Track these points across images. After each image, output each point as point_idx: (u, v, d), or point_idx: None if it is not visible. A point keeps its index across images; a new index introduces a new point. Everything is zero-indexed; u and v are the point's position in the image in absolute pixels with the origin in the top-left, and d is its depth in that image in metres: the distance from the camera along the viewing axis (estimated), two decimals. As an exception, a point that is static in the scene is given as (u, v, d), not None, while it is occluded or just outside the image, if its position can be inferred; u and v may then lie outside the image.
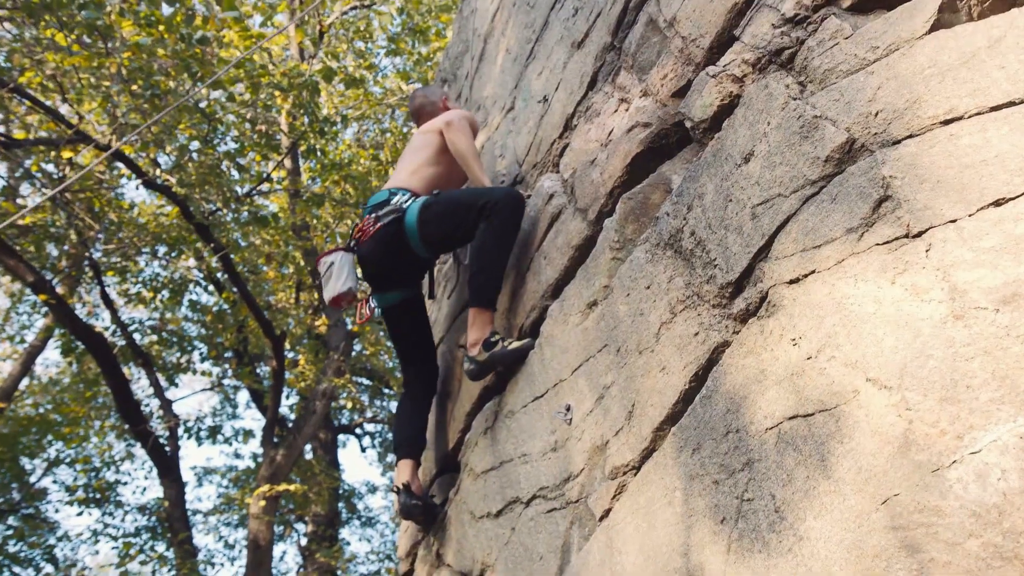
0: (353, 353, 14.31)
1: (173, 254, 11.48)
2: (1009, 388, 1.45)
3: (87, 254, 10.53)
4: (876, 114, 1.85)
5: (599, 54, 3.59)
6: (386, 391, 17.60)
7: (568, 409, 2.86)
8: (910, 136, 1.75)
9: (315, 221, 11.67)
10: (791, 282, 1.94)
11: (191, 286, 12.49)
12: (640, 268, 2.61)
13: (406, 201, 3.83)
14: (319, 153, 9.02)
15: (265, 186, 10.90)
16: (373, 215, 3.82)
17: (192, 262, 12.27)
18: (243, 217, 10.72)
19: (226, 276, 11.52)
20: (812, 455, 1.75)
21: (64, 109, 9.69)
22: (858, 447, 1.64)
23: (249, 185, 10.12)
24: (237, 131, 9.61)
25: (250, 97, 8.85)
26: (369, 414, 17.82)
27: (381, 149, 10.22)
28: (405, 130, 11.50)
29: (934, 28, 1.86)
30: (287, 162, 11.30)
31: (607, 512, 2.48)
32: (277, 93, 8.34)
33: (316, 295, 13.49)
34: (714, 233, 2.26)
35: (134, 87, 7.96)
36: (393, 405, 18.62)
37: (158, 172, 9.46)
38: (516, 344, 3.35)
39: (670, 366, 2.34)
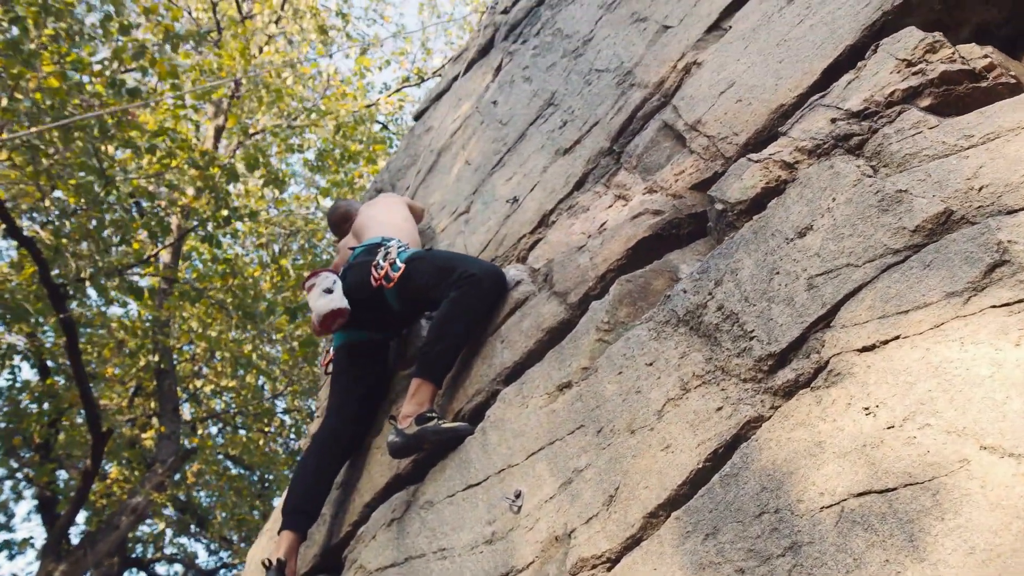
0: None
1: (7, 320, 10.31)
2: None
3: None
4: (979, 189, 1.73)
5: (592, 158, 3.52)
6: (193, 529, 15.85)
7: (518, 496, 2.45)
8: (1029, 207, 1.63)
9: (181, 322, 10.86)
10: (863, 349, 1.72)
11: (16, 359, 11.14)
12: (640, 346, 2.35)
13: (400, 248, 3.59)
14: (211, 244, 8.47)
15: (140, 269, 10.13)
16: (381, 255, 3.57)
17: (22, 340, 11.03)
18: (98, 301, 9.80)
19: (60, 360, 10.39)
20: (894, 535, 1.45)
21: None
22: (969, 523, 1.36)
23: (125, 263, 9.35)
24: (125, 205, 8.98)
25: (157, 168, 8.36)
26: (168, 551, 15.92)
27: (274, 254, 9.72)
28: (297, 260, 11.07)
29: (1041, 122, 1.80)
30: (166, 255, 10.63)
31: (564, 612, 2.04)
32: (190, 169, 7.89)
33: (153, 403, 12.35)
34: (752, 306, 2.05)
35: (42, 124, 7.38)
36: (199, 547, 16.80)
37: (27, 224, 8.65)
38: (451, 424, 2.96)
39: (677, 444, 2.02)
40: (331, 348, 3.83)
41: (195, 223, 8.74)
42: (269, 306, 8.77)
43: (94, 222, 8.28)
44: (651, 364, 2.28)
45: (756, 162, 2.40)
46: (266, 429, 12.84)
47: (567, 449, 2.40)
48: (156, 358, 9.75)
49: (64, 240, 7.54)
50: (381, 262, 3.51)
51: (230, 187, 8.13)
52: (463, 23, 13.25)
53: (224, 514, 14.16)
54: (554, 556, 2.22)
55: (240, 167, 8.13)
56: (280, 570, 3.13)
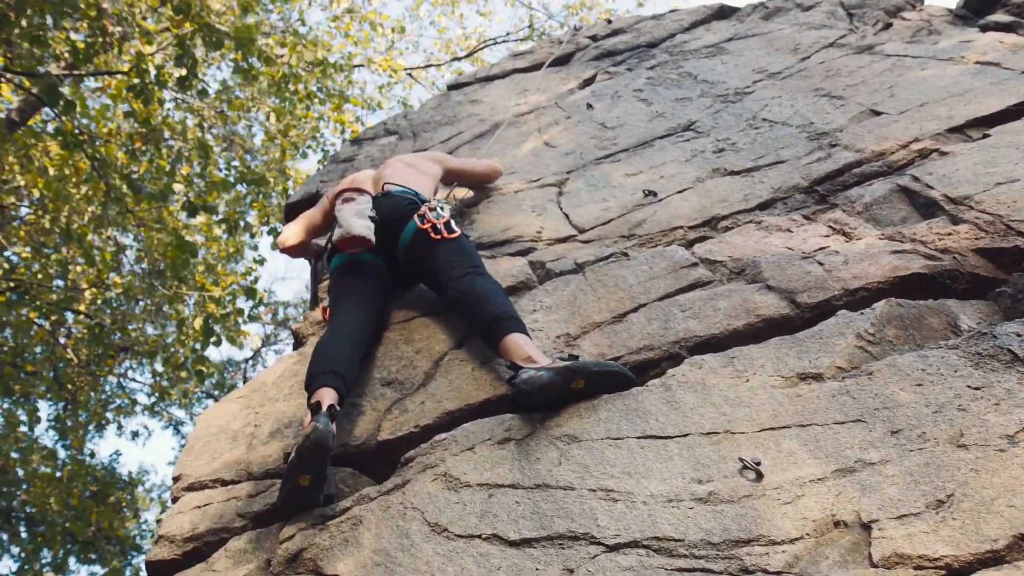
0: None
1: None
2: None
3: None
4: None
5: (785, 189, 3.45)
6: None
7: (758, 464, 2.09)
8: None
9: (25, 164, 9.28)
10: None
11: None
12: (952, 368, 2.17)
13: (453, 215, 3.38)
14: (138, 97, 7.36)
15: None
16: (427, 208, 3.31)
17: None
18: None
19: None
20: None
21: None
22: None
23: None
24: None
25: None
26: None
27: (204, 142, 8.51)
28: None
29: None
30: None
31: (879, 605, 1.69)
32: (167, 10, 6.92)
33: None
34: None
35: None
36: None
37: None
38: (612, 362, 2.56)
39: (1055, 474, 1.79)
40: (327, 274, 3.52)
41: (126, 70, 7.59)
42: (164, 190, 7.63)
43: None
44: (979, 389, 2.07)
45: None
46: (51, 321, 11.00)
47: (838, 438, 2.09)
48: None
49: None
50: (440, 212, 3.26)
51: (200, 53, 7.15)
52: (448, 41, 13.08)
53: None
54: (836, 540, 1.86)
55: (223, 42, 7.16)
56: (331, 416, 2.50)
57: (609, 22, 6.73)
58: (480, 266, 3.09)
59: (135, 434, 13.34)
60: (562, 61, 6.32)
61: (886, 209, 3.06)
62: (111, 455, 16.59)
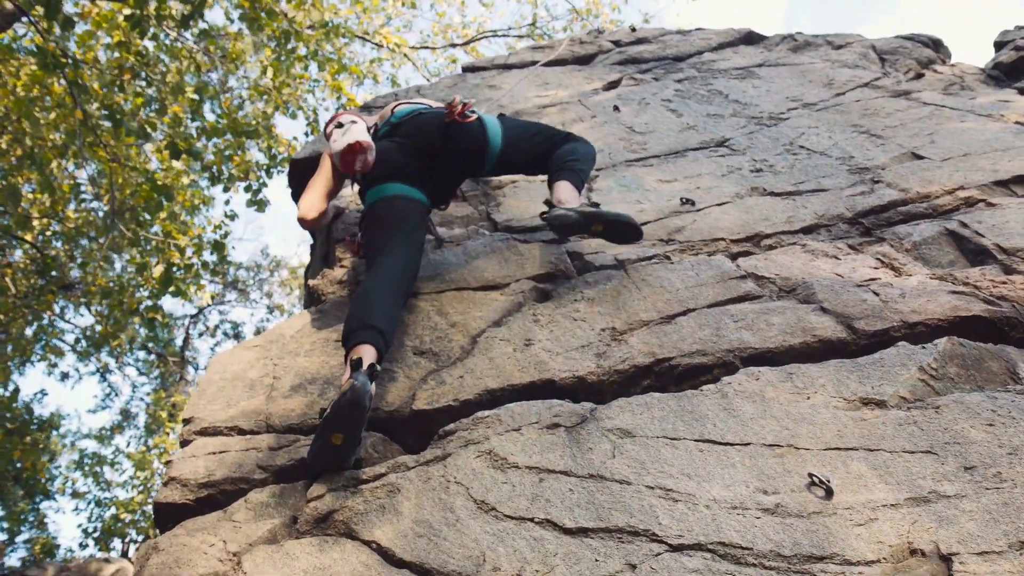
0: None
1: None
2: None
3: None
4: None
5: (828, 217, 3.47)
6: None
7: (828, 481, 2.06)
8: None
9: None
10: None
11: None
12: (1023, 412, 2.14)
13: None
14: (135, 28, 7.05)
15: None
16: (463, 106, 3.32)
17: None
18: None
19: None
20: None
21: None
22: None
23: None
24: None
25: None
26: None
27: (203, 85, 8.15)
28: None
29: None
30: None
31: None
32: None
33: None
34: None
35: None
36: None
37: None
38: (626, 214, 3.06)
39: None
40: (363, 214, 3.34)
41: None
42: (145, 125, 7.31)
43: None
44: (1054, 436, 2.07)
45: None
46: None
47: (908, 466, 2.08)
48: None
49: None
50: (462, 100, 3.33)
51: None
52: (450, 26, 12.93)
53: None
54: (914, 569, 1.84)
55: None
56: (371, 375, 2.38)
57: (633, 29, 6.72)
58: (559, 132, 3.52)
59: (64, 375, 12.79)
60: (583, 61, 6.27)
61: (934, 250, 3.08)
62: (35, 394, 15.88)
